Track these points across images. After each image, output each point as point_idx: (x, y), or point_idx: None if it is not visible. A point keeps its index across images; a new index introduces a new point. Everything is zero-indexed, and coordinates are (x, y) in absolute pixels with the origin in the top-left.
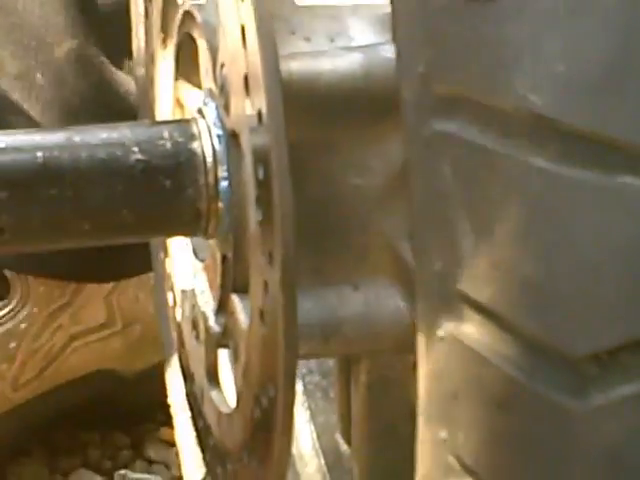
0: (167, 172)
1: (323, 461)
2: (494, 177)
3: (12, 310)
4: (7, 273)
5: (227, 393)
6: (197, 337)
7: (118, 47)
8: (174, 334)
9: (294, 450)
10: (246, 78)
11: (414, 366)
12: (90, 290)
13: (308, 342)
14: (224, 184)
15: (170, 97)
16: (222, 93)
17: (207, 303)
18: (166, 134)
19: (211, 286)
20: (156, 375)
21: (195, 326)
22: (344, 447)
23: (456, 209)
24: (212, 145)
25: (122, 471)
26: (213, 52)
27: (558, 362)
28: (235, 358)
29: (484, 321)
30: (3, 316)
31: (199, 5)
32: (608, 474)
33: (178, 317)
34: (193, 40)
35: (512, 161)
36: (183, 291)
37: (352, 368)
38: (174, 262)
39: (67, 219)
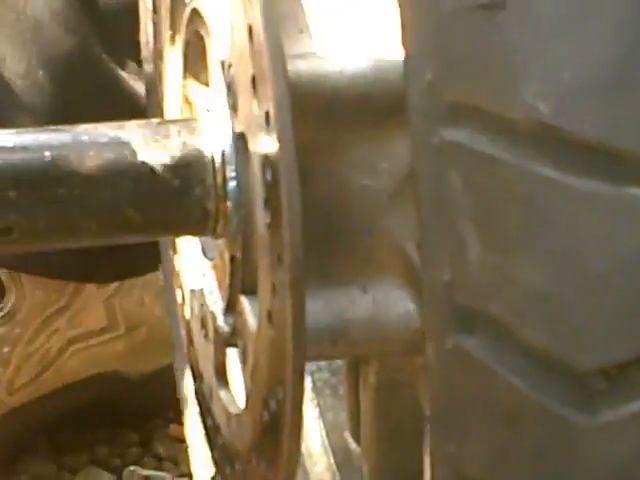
0: (175, 171)
1: (332, 459)
2: (502, 186)
3: (6, 315)
4: (2, 276)
5: (236, 392)
6: (206, 336)
7: (121, 46)
8: (183, 332)
9: (303, 448)
10: (253, 79)
11: (422, 368)
12: (89, 293)
13: (316, 344)
14: (232, 184)
15: (178, 94)
16: (230, 93)
17: (216, 303)
18: (174, 133)
19: (220, 285)
20: (165, 376)
21: (204, 325)
22: (353, 445)
23: (463, 219)
24: (220, 145)
25: (131, 467)
26: (220, 51)
27: (566, 376)
28: (244, 359)
29: (492, 333)
30: None
31: (206, 3)
32: None
33: (187, 315)
34: (201, 38)
35: (520, 170)
36: (192, 290)
37: (361, 369)
38: (183, 260)
39: (74, 218)
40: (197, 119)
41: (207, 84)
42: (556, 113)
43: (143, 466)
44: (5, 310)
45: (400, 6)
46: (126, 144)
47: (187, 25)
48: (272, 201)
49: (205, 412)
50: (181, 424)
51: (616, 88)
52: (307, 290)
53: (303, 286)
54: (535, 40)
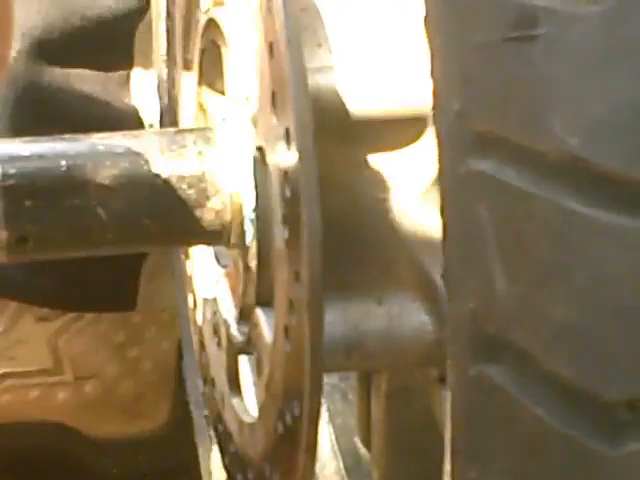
0: (191, 181)
1: (341, 464)
2: (529, 218)
3: None
4: None
5: (247, 400)
6: (219, 344)
7: (115, 54)
8: (194, 337)
9: None
10: (273, 95)
11: (438, 380)
12: (27, 325)
13: (331, 357)
14: (248, 196)
15: (193, 101)
16: (248, 106)
17: (229, 311)
18: (190, 142)
19: (233, 294)
20: (139, 444)
21: (216, 332)
22: (362, 450)
23: (490, 249)
24: (237, 157)
25: None
26: (238, 63)
27: (591, 407)
28: (258, 371)
29: (517, 362)
30: None
31: (224, 14)
32: None
33: (199, 321)
34: (217, 47)
35: (547, 203)
36: (205, 299)
37: (373, 376)
38: (196, 266)
39: (90, 228)
40: (213, 129)
41: (222, 92)
42: (586, 146)
43: None
44: None
45: (429, 37)
46: (142, 154)
47: (203, 34)
48: (291, 217)
49: (215, 418)
50: None
51: None
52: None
53: (321, 305)
54: (565, 74)
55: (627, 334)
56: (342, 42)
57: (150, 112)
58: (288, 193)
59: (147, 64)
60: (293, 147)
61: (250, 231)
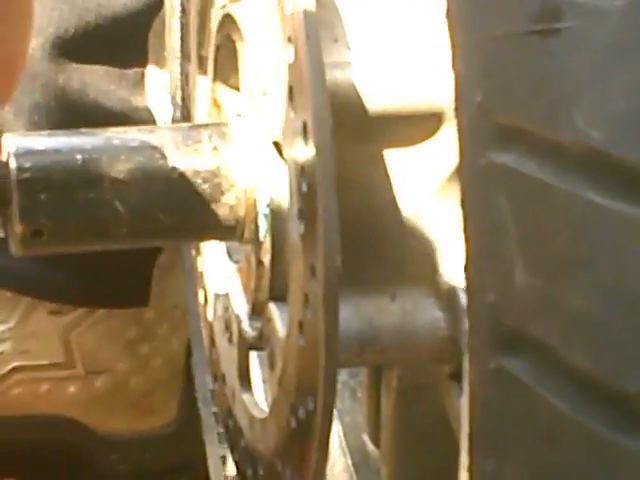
0: (205, 176)
1: (350, 461)
2: (549, 211)
3: None
4: None
5: (257, 396)
6: (230, 339)
7: (130, 51)
8: (204, 333)
9: None
10: (291, 89)
11: (450, 376)
12: (40, 319)
13: (344, 352)
14: (263, 191)
15: (207, 97)
16: (264, 101)
17: (241, 306)
18: (205, 137)
19: (245, 289)
20: (148, 442)
21: (228, 328)
22: (371, 447)
23: (510, 241)
24: (252, 152)
25: None
26: (255, 58)
27: (610, 398)
28: (271, 365)
29: (536, 354)
30: None
31: (241, 10)
32: None
33: (209, 316)
34: (232, 42)
35: (568, 196)
36: (216, 294)
37: (384, 373)
38: (207, 262)
39: (105, 222)
40: (228, 124)
41: (237, 88)
42: (608, 140)
43: None
44: None
45: (450, 29)
46: (157, 148)
47: (219, 29)
48: (307, 212)
49: (226, 413)
50: None
51: None
52: None
53: (337, 300)
54: (589, 68)
55: None
56: (359, 38)
57: (163, 111)
58: (305, 188)
59: (160, 63)
60: (310, 142)
61: (264, 226)
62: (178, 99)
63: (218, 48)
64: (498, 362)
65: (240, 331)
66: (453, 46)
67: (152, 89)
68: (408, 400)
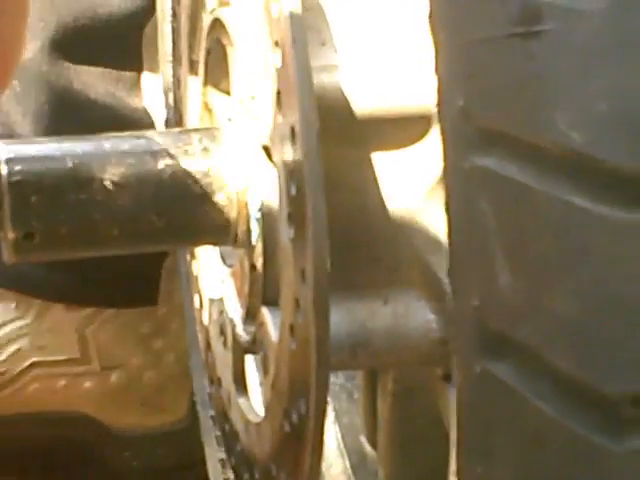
0: (196, 176)
1: (348, 463)
2: (531, 214)
3: None
4: None
5: (252, 400)
6: (225, 343)
7: (125, 53)
8: (200, 336)
9: None
10: (279, 94)
11: (443, 378)
12: (57, 315)
13: (337, 355)
14: (254, 194)
15: (198, 100)
16: (253, 105)
17: (235, 310)
18: (195, 140)
19: (239, 293)
20: (159, 438)
21: (223, 332)
22: (368, 448)
23: (493, 245)
24: (242, 155)
25: None
26: (243, 63)
27: (595, 402)
28: (264, 370)
29: (521, 358)
30: None
31: (230, 14)
32: None
33: (205, 320)
34: (222, 46)
35: (550, 198)
36: (211, 299)
37: (379, 376)
38: (201, 266)
39: (97, 224)
40: (219, 128)
41: (228, 92)
42: (589, 142)
43: None
44: None
45: (433, 32)
46: (147, 151)
47: (208, 33)
48: (296, 216)
49: (222, 417)
50: None
51: None
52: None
53: (327, 304)
54: (570, 70)
55: (630, 329)
56: (346, 41)
57: (159, 112)
58: (294, 191)
59: (155, 67)
60: (298, 145)
61: (256, 230)
62: (171, 102)
63: (208, 52)
64: (484, 366)
65: (234, 335)
66: (436, 50)
67: (148, 91)
68: (403, 402)
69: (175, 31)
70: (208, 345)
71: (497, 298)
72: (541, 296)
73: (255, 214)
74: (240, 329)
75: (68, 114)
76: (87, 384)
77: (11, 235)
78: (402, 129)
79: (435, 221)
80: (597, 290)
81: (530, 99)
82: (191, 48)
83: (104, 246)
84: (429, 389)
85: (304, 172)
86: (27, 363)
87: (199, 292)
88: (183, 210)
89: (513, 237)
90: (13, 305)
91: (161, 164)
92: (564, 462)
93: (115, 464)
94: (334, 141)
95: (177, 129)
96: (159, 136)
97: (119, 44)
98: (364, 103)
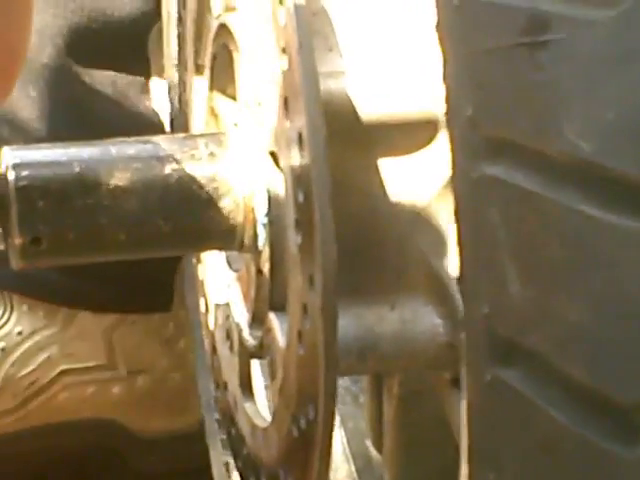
0: (202, 181)
1: (353, 467)
2: (541, 222)
3: None
4: None
5: (259, 403)
6: (231, 348)
7: (132, 56)
8: (206, 341)
9: None
10: (285, 99)
11: (450, 382)
12: (84, 321)
13: (344, 359)
14: (260, 200)
15: (204, 105)
16: (260, 111)
17: (241, 315)
18: (201, 145)
19: (245, 298)
20: (182, 441)
21: (229, 336)
22: (374, 452)
23: (503, 253)
24: (248, 160)
25: None
26: (250, 68)
27: (607, 410)
28: (272, 375)
29: (531, 365)
30: None
31: (236, 19)
32: None
33: (211, 325)
34: (229, 52)
35: (559, 207)
36: (217, 303)
37: (385, 380)
38: (207, 271)
39: (103, 228)
40: (225, 133)
41: (234, 98)
42: (598, 151)
43: None
44: None
45: (440, 42)
46: (154, 156)
47: (214, 38)
48: (304, 222)
49: (228, 421)
50: None
51: None
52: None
53: (335, 310)
54: (577, 79)
55: None
56: (353, 46)
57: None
58: (301, 198)
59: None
60: (306, 151)
61: (262, 235)
62: (176, 106)
63: (214, 57)
64: (494, 373)
65: (241, 340)
66: (443, 59)
67: (156, 94)
68: (409, 406)
69: (181, 35)
70: (214, 349)
71: (507, 305)
72: (551, 303)
73: (262, 219)
74: (246, 334)
75: (84, 117)
76: (115, 389)
77: (18, 240)
78: (409, 134)
79: (442, 226)
80: (607, 297)
81: (538, 108)
82: (197, 53)
83: (111, 251)
84: (436, 393)
85: (311, 178)
86: (56, 371)
87: (205, 296)
88: (190, 215)
89: (522, 245)
90: (41, 314)
91: (168, 169)
92: (575, 469)
93: (142, 468)
94: (341, 147)
95: (183, 134)
96: (165, 141)
97: (129, 48)
98: (371, 108)
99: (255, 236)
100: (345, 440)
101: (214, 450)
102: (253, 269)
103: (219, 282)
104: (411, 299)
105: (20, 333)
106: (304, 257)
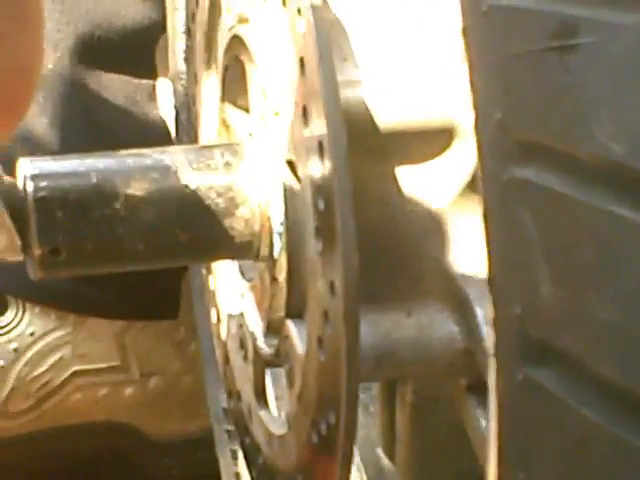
0: (219, 190)
1: (365, 476)
2: (572, 224)
3: (4, 326)
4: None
5: (273, 412)
6: (245, 357)
7: (139, 65)
8: (218, 351)
9: None
10: (304, 108)
11: (466, 388)
12: (95, 321)
13: (362, 366)
14: (277, 206)
15: (215, 117)
16: (277, 121)
17: (256, 324)
18: (217, 155)
19: (259, 307)
20: (194, 446)
21: (243, 345)
22: (385, 461)
23: (535, 255)
24: (265, 169)
25: None
26: (265, 80)
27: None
28: (290, 382)
29: (563, 365)
30: None
31: (249, 31)
32: None
33: (223, 335)
34: (241, 63)
35: (591, 208)
36: (230, 313)
37: (398, 387)
38: (219, 281)
39: (122, 238)
40: (240, 144)
41: (246, 109)
42: (629, 153)
43: None
44: (4, 322)
45: (467, 47)
46: (170, 166)
47: (227, 50)
48: (325, 230)
49: (242, 430)
50: None
51: None
52: None
53: (357, 315)
54: (607, 83)
55: None
56: (368, 55)
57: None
58: (321, 205)
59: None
60: (327, 159)
61: (278, 244)
62: (184, 119)
63: (226, 69)
64: (526, 373)
65: (255, 348)
66: (470, 65)
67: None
68: (423, 414)
69: (190, 48)
70: (226, 359)
71: (539, 306)
72: (583, 304)
73: (278, 228)
74: (261, 342)
75: (93, 123)
76: (127, 392)
77: (37, 251)
78: (425, 142)
79: (457, 233)
80: (638, 297)
81: (568, 111)
82: (207, 65)
83: (130, 261)
84: (450, 400)
85: (333, 186)
86: (69, 372)
87: (216, 307)
88: (207, 224)
89: (554, 246)
90: (53, 316)
91: (184, 179)
92: (608, 468)
93: (155, 472)
94: (358, 155)
95: (198, 145)
96: (182, 151)
97: (134, 56)
98: (387, 117)
99: (271, 245)
100: (356, 449)
101: (224, 460)
102: (268, 278)
103: (232, 292)
104: (427, 306)
105: (32, 334)
106: (325, 264)
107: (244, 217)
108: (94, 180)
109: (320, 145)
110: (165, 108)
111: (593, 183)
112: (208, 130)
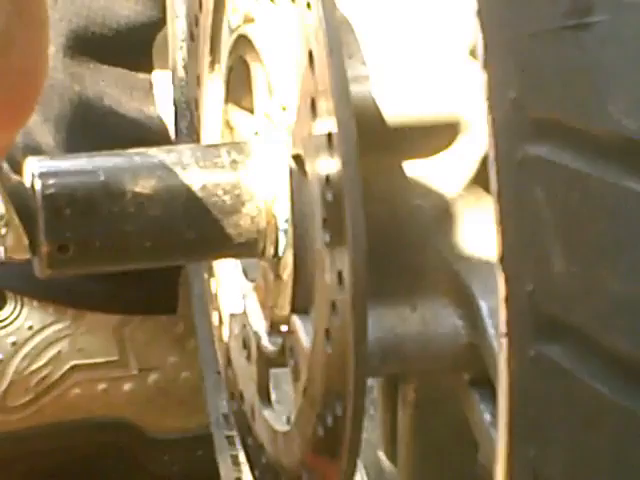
0: (225, 188)
1: (366, 478)
2: (586, 199)
3: (2, 320)
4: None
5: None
6: (248, 357)
7: (135, 62)
8: (219, 353)
9: None
10: (313, 102)
11: (470, 384)
12: (93, 316)
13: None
14: (282, 203)
15: (218, 119)
16: (284, 116)
17: (259, 323)
18: (224, 153)
19: (262, 306)
20: (193, 443)
21: (246, 345)
22: (386, 463)
23: (548, 231)
24: (270, 165)
25: None
26: (272, 76)
27: None
28: (295, 377)
29: (575, 340)
30: None
31: (256, 30)
32: None
33: (225, 337)
34: (245, 64)
35: (604, 184)
36: (232, 314)
37: (400, 387)
38: (221, 283)
39: (129, 236)
40: (246, 142)
41: (250, 110)
42: None
43: None
44: (2, 316)
45: (482, 28)
46: (177, 164)
47: (231, 51)
48: (333, 221)
49: (245, 432)
50: None
51: None
52: None
53: (365, 305)
54: (621, 60)
55: None
56: (375, 51)
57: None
58: (330, 197)
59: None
60: (336, 152)
61: (283, 241)
62: (187, 121)
63: (230, 70)
64: (538, 349)
65: (259, 347)
66: (484, 45)
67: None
68: (425, 414)
69: (192, 52)
70: (228, 361)
71: (552, 282)
72: (596, 279)
73: (282, 225)
74: (265, 341)
75: (87, 119)
76: (126, 387)
77: (45, 248)
78: (431, 137)
79: (462, 228)
80: None
81: (583, 89)
82: (211, 67)
83: (137, 258)
84: (453, 400)
85: (342, 177)
86: (68, 366)
87: (218, 309)
88: (213, 220)
89: (568, 222)
90: (50, 309)
91: (191, 177)
92: (620, 442)
93: (155, 469)
94: (364, 150)
95: (205, 144)
96: (188, 149)
97: (129, 52)
98: (394, 112)
99: (276, 242)
100: None
101: (224, 466)
102: (271, 276)
103: (234, 293)
104: (432, 300)
105: (31, 328)
106: (333, 255)
107: (250, 214)
108: (102, 178)
109: (329, 137)
110: (162, 103)
111: (607, 159)
112: (211, 132)
